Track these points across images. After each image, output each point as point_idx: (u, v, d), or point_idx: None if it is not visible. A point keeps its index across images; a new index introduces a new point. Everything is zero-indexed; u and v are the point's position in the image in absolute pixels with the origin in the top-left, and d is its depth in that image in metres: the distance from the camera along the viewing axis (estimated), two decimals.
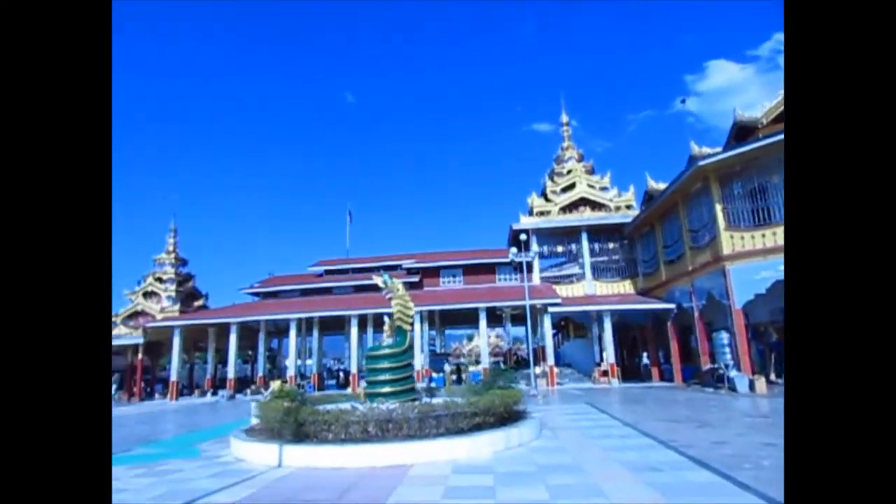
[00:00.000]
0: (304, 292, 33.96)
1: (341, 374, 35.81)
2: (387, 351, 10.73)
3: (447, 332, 43.88)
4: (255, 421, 10.59)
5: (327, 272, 35.91)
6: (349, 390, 25.86)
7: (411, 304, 11.30)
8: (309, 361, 35.81)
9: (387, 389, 10.32)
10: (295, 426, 8.44)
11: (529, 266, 25.51)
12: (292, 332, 29.00)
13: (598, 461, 7.30)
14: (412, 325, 11.32)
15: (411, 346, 11.43)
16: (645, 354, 28.13)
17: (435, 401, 9.46)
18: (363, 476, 6.90)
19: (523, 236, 23.46)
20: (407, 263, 32.47)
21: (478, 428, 8.65)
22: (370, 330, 29.79)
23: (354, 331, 28.53)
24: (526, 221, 30.65)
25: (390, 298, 11.29)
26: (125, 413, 22.65)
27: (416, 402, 9.50)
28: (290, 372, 28.92)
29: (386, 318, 11.40)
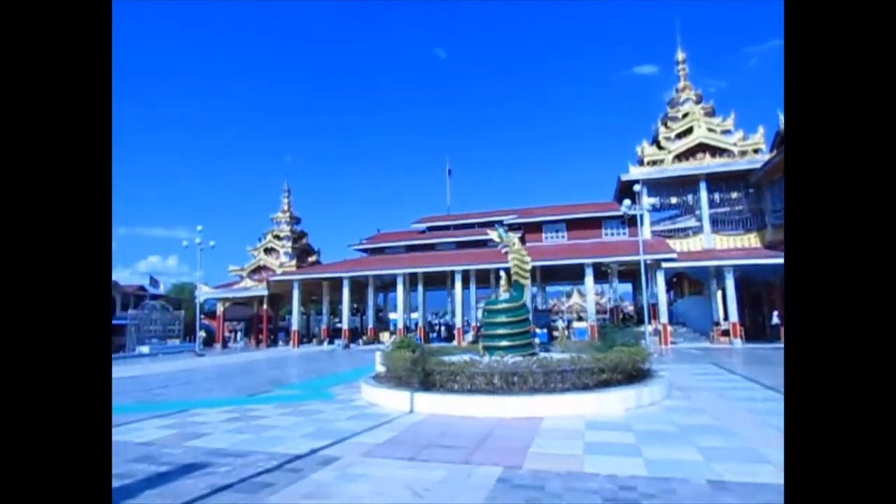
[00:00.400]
0: (409, 248, 35.02)
1: (442, 327, 36.96)
2: (504, 305, 10.65)
3: (547, 288, 43.27)
4: (379, 368, 11.16)
5: (430, 229, 36.62)
6: (454, 343, 26.64)
7: (528, 258, 11.05)
8: (414, 315, 37.31)
9: (505, 343, 10.30)
10: (423, 375, 8.72)
11: (640, 219, 23.94)
12: (400, 287, 30.20)
13: (748, 424, 6.72)
14: (528, 279, 11.09)
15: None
16: (775, 313, 25.66)
17: (558, 356, 9.27)
18: (495, 426, 6.95)
19: (637, 187, 21.91)
20: (508, 219, 32.04)
21: (605, 385, 8.37)
22: (473, 285, 30.18)
23: (458, 286, 29.03)
24: (636, 172, 28.67)
25: (506, 252, 11.12)
26: (255, 358, 25.16)
27: (537, 357, 9.40)
28: (399, 325, 30.33)
29: (502, 273, 11.29)
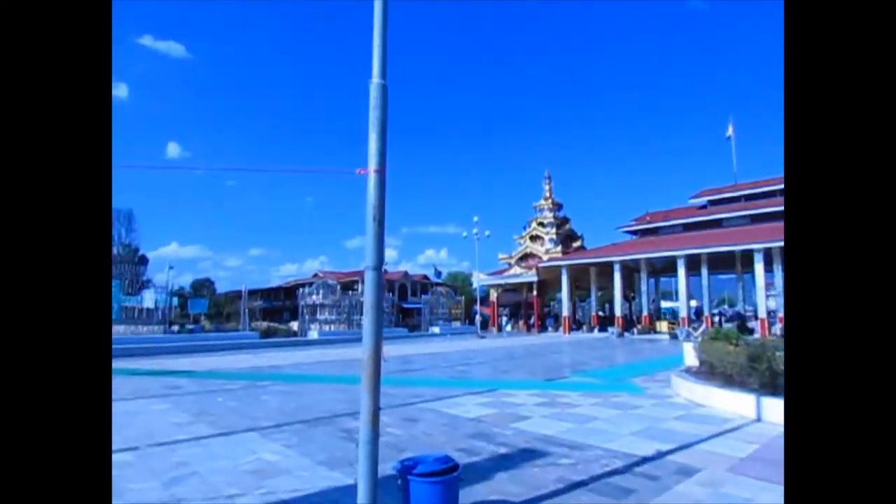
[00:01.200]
0: (687, 227, 31.17)
1: (721, 318, 31.67)
2: None
3: None
4: (691, 362, 9.70)
5: (711, 203, 31.91)
6: (755, 336, 22.40)
7: None
8: (693, 302, 33.14)
9: None
10: (767, 375, 7.01)
11: None
12: (681, 271, 26.97)
13: None
14: None
15: None
16: None
17: None
18: None
19: None
20: None
21: None
22: (777, 267, 24.92)
23: (759, 268, 24.23)
24: None
25: None
26: (532, 342, 25.81)
27: None
28: (682, 314, 27.19)
29: None
